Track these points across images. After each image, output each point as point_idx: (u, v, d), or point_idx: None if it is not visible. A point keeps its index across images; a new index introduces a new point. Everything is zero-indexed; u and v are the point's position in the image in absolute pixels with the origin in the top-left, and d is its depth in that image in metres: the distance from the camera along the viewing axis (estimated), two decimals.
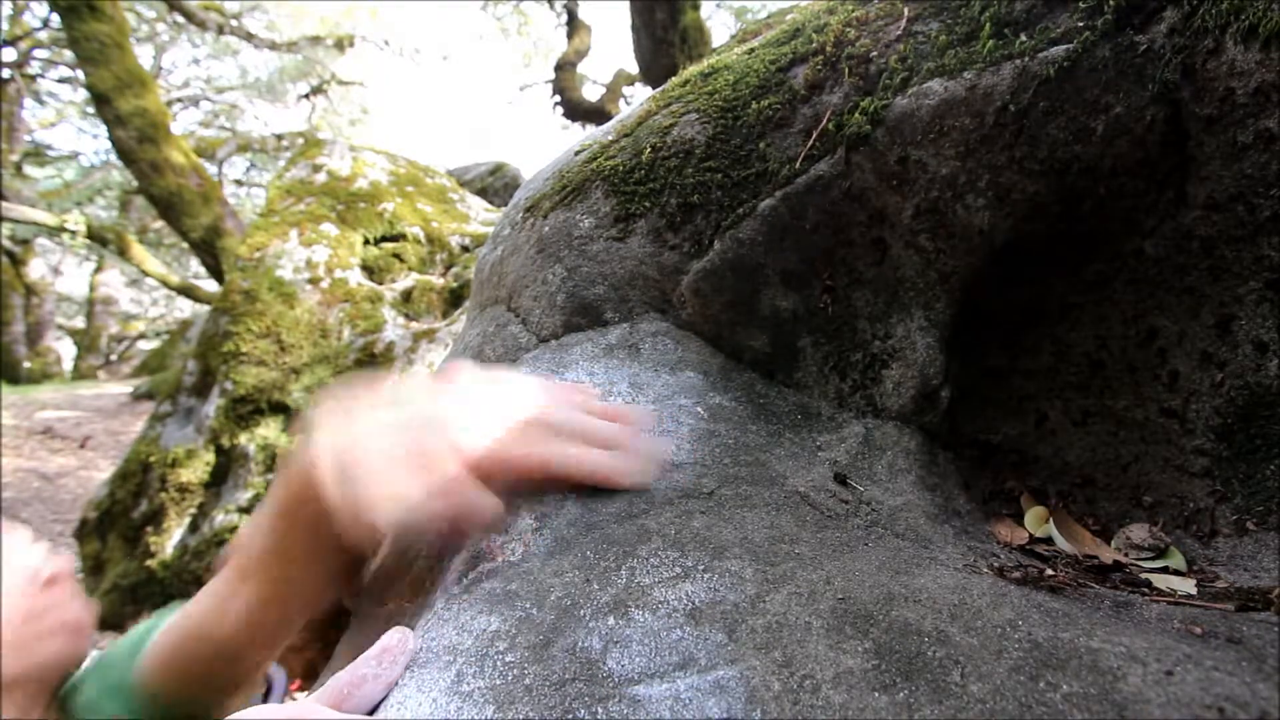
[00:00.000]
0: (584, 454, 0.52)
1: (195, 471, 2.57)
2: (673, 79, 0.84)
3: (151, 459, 2.67)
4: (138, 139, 4.96)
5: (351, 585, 0.69)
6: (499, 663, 0.39)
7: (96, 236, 7.32)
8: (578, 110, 7.86)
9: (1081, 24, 0.57)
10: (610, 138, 0.80)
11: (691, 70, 0.82)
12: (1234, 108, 0.53)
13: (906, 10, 0.67)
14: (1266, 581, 0.50)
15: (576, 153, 0.84)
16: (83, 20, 4.82)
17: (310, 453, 0.52)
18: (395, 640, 0.42)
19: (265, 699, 0.87)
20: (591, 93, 8.28)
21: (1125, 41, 0.56)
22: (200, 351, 2.79)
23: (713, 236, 0.70)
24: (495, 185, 5.42)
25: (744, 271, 0.69)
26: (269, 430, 2.56)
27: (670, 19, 5.22)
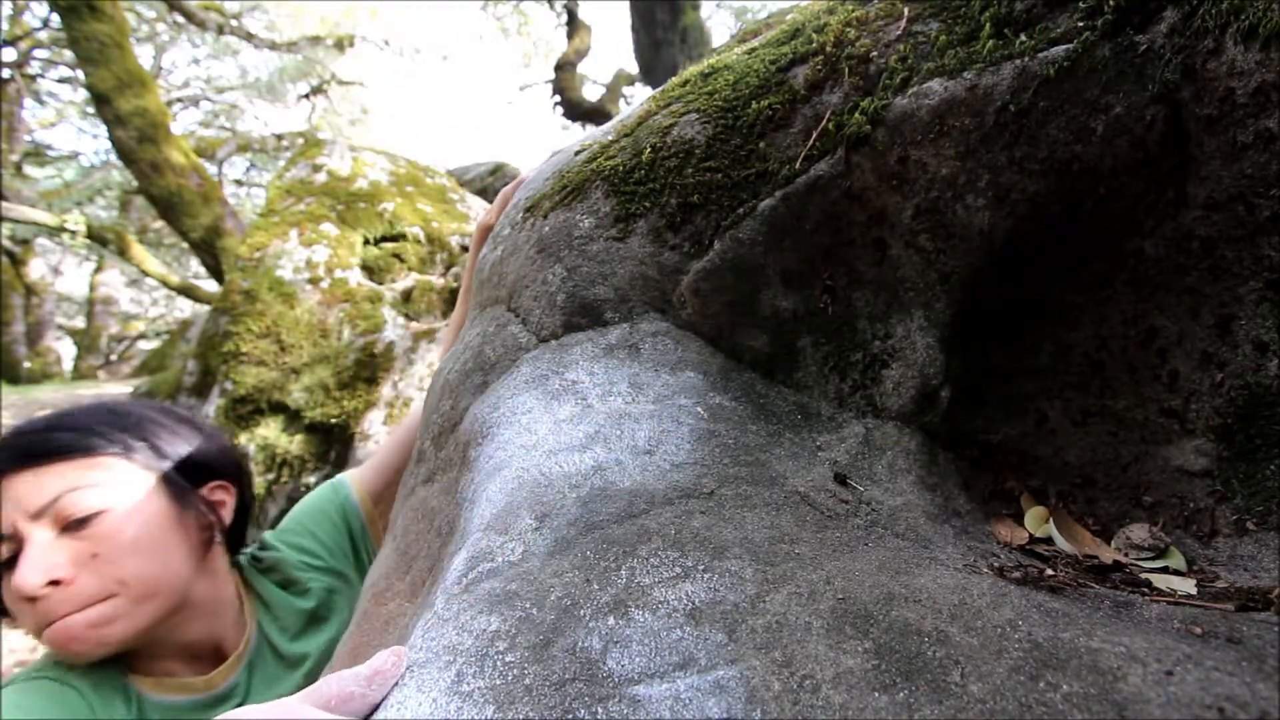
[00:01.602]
0: None
1: None
2: (673, 79, 0.84)
3: None
4: (138, 139, 4.96)
5: None
6: (499, 663, 0.39)
7: (96, 236, 7.32)
8: (578, 110, 7.86)
9: (1081, 24, 0.57)
10: (610, 138, 0.80)
11: (691, 70, 0.82)
12: (1234, 108, 0.53)
13: (906, 10, 0.67)
14: (1266, 581, 0.50)
15: (576, 153, 0.84)
16: (83, 20, 4.82)
17: None
18: (389, 664, 0.41)
19: None
20: (591, 93, 8.28)
21: (1125, 41, 0.56)
22: (200, 351, 2.79)
23: (713, 236, 0.70)
24: (495, 185, 5.41)
25: (744, 271, 0.69)
26: (269, 430, 2.56)
27: (670, 19, 5.22)
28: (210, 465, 0.98)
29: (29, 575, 0.79)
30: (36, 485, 0.83)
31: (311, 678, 0.96)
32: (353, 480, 1.15)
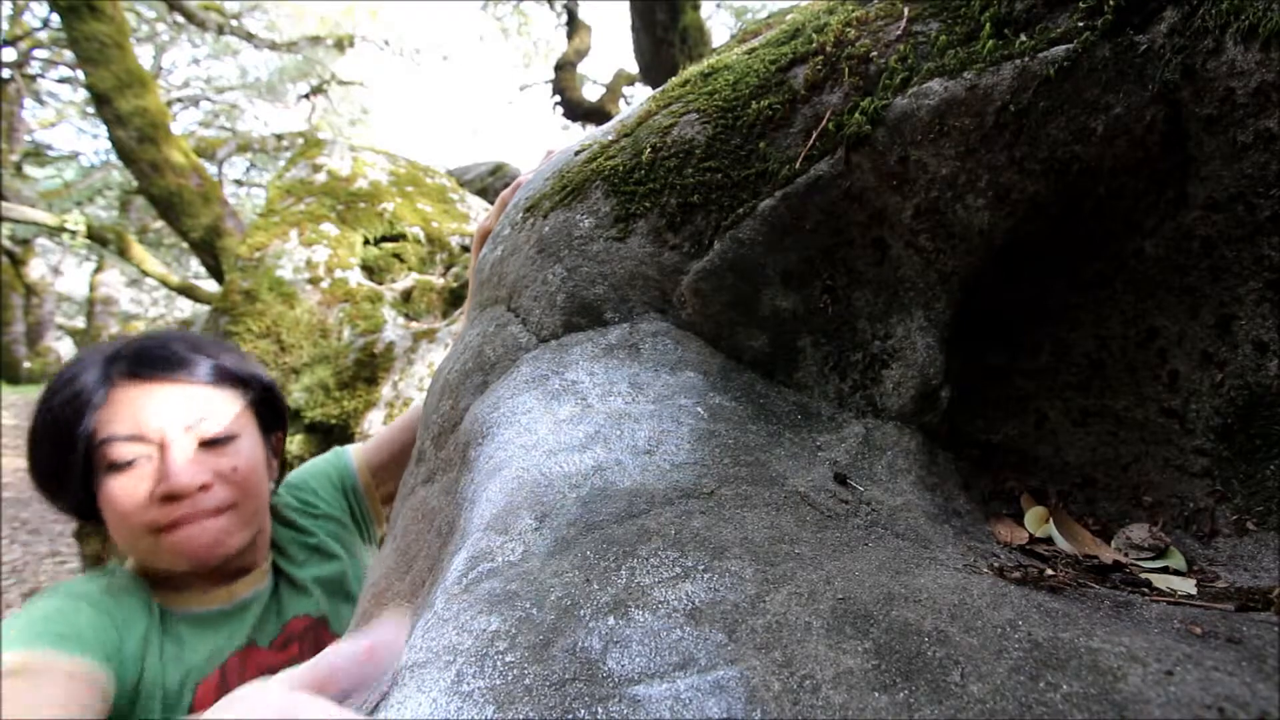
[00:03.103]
0: None
1: None
2: (673, 79, 0.84)
3: None
4: (138, 139, 4.96)
5: None
6: (499, 663, 0.39)
7: (96, 236, 7.32)
8: (578, 110, 7.86)
9: (1081, 24, 0.57)
10: (610, 138, 0.80)
11: (691, 70, 0.82)
12: (1234, 108, 0.53)
13: (906, 10, 0.67)
14: (1266, 581, 0.50)
15: (576, 153, 0.84)
16: (83, 20, 4.82)
17: None
18: (384, 640, 0.42)
19: None
20: (591, 93, 8.28)
21: (1125, 41, 0.56)
22: None
23: (713, 236, 0.70)
24: (495, 185, 5.42)
25: (744, 271, 0.69)
26: None
27: (670, 19, 5.22)
28: (280, 418, 1.12)
29: (185, 474, 0.89)
30: (185, 400, 0.94)
31: (318, 603, 1.08)
32: (353, 450, 1.28)
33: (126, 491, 0.88)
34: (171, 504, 0.89)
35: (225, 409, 0.97)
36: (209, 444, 0.94)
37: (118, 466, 0.89)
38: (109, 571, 0.96)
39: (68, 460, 0.88)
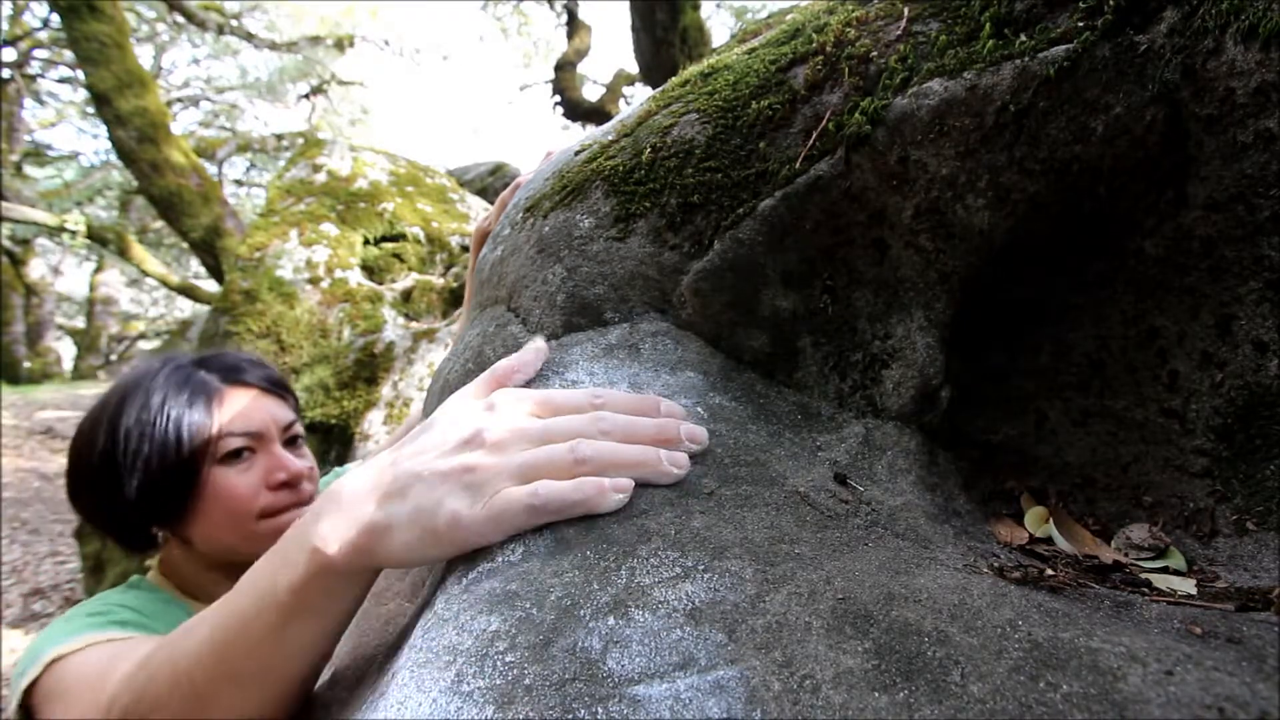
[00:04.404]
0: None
1: None
2: (673, 79, 0.84)
3: None
4: (138, 139, 4.96)
5: None
6: (499, 663, 0.39)
7: (96, 236, 7.33)
8: (578, 110, 7.86)
9: (1081, 24, 0.57)
10: (610, 138, 0.80)
11: (691, 70, 0.82)
12: (1234, 108, 0.53)
13: (906, 10, 0.67)
14: (1266, 581, 0.50)
15: (576, 153, 0.84)
16: (83, 20, 4.82)
17: None
18: (531, 355, 0.64)
19: None
20: (591, 93, 8.29)
21: (1125, 41, 0.56)
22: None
23: (713, 236, 0.70)
24: (495, 185, 5.41)
25: (744, 271, 0.69)
26: None
27: (670, 19, 5.22)
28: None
29: (296, 464, 1.02)
30: (282, 410, 1.07)
31: None
32: (347, 469, 1.31)
33: (245, 479, 0.98)
34: (285, 490, 1.00)
35: (294, 415, 1.09)
36: (290, 443, 1.06)
37: (233, 456, 0.98)
38: (133, 584, 1.04)
39: (168, 455, 0.94)
